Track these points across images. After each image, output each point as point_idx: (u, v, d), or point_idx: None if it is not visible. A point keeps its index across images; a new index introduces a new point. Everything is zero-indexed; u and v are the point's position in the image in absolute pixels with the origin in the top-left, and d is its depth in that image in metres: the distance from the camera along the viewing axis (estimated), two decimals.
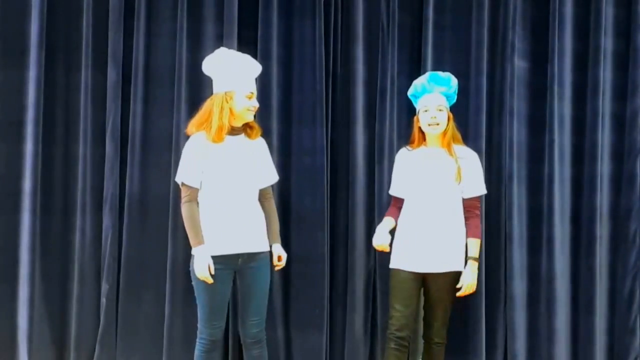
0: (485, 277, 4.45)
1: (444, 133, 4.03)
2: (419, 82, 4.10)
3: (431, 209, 3.97)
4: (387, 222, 4.11)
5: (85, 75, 4.62)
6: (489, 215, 4.48)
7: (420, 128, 4.08)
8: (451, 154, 4.02)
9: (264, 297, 3.89)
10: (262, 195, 3.94)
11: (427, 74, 4.12)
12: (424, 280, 4.00)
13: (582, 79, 4.56)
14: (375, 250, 4.37)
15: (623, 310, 4.53)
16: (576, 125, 4.57)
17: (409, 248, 3.98)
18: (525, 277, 4.55)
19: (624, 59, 4.56)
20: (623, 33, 4.56)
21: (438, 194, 3.98)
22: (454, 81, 4.09)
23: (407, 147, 4.16)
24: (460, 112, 4.47)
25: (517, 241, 4.50)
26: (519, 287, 4.50)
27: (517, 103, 4.53)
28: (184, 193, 3.81)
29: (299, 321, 4.55)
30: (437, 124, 4.00)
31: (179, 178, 3.85)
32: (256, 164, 3.90)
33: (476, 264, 4.02)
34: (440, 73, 4.10)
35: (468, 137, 4.45)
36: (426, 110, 4.02)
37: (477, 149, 4.40)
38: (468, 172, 4.04)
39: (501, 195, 4.52)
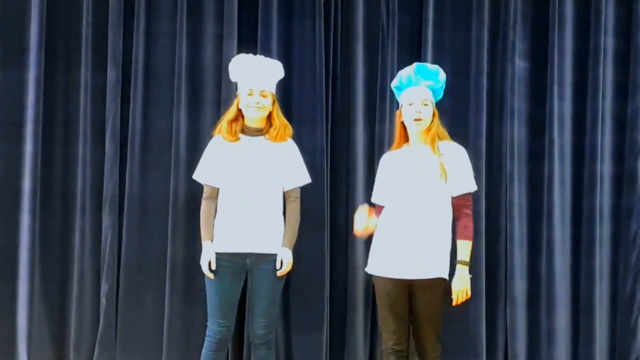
0: (485, 277, 4.45)
1: (428, 129, 3.71)
2: (404, 74, 3.79)
3: (416, 212, 3.64)
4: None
5: (85, 75, 4.62)
6: (489, 215, 4.48)
7: (402, 124, 3.77)
8: (435, 152, 3.69)
9: (272, 300, 3.87)
10: (285, 198, 3.94)
11: (414, 65, 3.80)
12: (410, 290, 3.67)
13: (582, 79, 4.56)
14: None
15: (624, 311, 4.54)
16: (576, 125, 4.58)
17: (394, 254, 3.67)
18: (525, 277, 4.55)
19: (624, 58, 4.57)
20: (623, 33, 4.56)
21: (423, 196, 3.66)
22: (442, 75, 3.80)
23: (391, 150, 3.88)
24: (461, 112, 4.48)
25: (518, 241, 4.50)
26: (519, 287, 4.51)
27: (518, 103, 4.54)
28: (204, 190, 3.93)
29: (299, 321, 4.54)
30: (421, 120, 3.69)
31: (196, 176, 3.97)
32: (275, 166, 3.88)
33: (466, 268, 3.67)
34: (428, 65, 3.84)
35: (468, 137, 4.45)
36: (410, 104, 3.70)
37: (477, 149, 4.41)
38: (454, 168, 3.69)
39: (501, 195, 4.52)
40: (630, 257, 4.53)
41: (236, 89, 3.97)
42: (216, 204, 3.89)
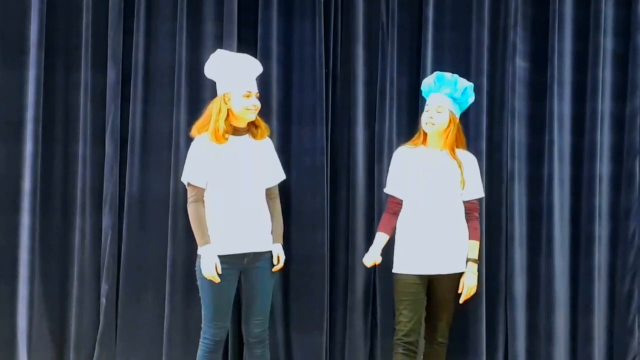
0: (485, 277, 4.46)
1: (446, 135, 4.00)
2: (427, 81, 4.10)
3: (435, 210, 3.94)
4: (380, 240, 4.06)
5: (85, 75, 4.61)
6: (489, 215, 4.49)
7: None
8: (454, 157, 4.00)
9: (268, 297, 3.89)
10: (267, 195, 3.92)
11: (435, 74, 4.09)
12: (430, 283, 3.97)
13: (582, 79, 4.57)
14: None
15: (622, 310, 4.55)
16: (576, 125, 4.59)
17: (414, 251, 3.95)
18: (525, 277, 4.56)
19: (623, 59, 4.57)
20: (623, 33, 4.57)
21: (441, 195, 3.96)
22: (461, 83, 4.03)
23: (407, 145, 4.12)
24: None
25: (518, 241, 4.51)
26: (519, 286, 4.52)
27: (518, 103, 4.54)
28: (190, 193, 3.82)
29: (299, 321, 4.55)
30: (433, 124, 3.96)
31: (184, 178, 3.86)
32: (261, 164, 3.89)
33: (476, 265, 4.01)
34: (447, 75, 4.05)
35: (469, 137, 4.45)
36: (427, 110, 4.01)
37: (477, 149, 4.42)
38: (468, 176, 4.02)
39: (502, 195, 4.53)
40: (628, 257, 4.54)
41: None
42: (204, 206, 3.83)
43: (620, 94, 4.58)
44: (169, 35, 4.63)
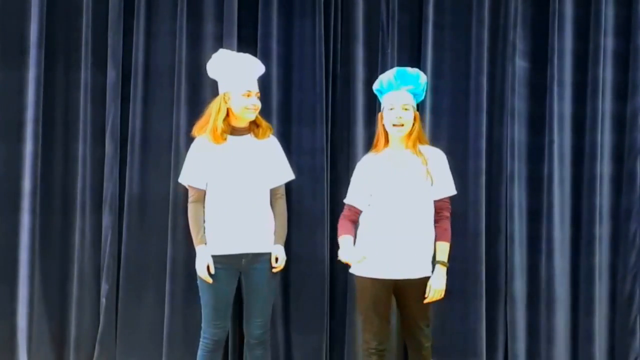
0: (485, 277, 4.45)
1: (409, 134, 3.75)
2: (385, 78, 3.82)
3: (401, 214, 3.68)
4: (349, 242, 3.81)
5: (85, 75, 4.62)
6: (489, 215, 4.48)
7: (384, 127, 3.78)
8: (417, 154, 3.74)
9: (268, 299, 3.88)
10: (272, 195, 3.91)
11: (395, 69, 3.83)
12: (396, 289, 3.75)
13: (582, 79, 4.56)
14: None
15: (623, 311, 4.54)
16: (576, 125, 4.58)
17: (379, 255, 3.69)
18: (525, 277, 4.55)
19: (624, 59, 4.56)
20: (623, 33, 4.56)
21: (407, 198, 3.70)
22: (423, 78, 3.81)
23: (371, 152, 3.91)
24: (461, 112, 4.49)
25: (518, 241, 4.51)
26: (519, 286, 4.51)
27: (518, 103, 4.54)
28: (190, 194, 3.86)
29: (299, 321, 4.55)
30: (402, 125, 3.71)
31: (183, 180, 3.88)
32: (264, 164, 3.87)
33: (444, 268, 3.72)
34: (409, 69, 3.82)
35: (468, 137, 4.47)
36: (391, 109, 3.72)
37: (477, 149, 4.42)
38: (436, 173, 3.75)
39: (501, 195, 4.53)
40: (629, 257, 4.54)
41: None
42: (204, 207, 3.84)
43: (621, 94, 4.58)
44: (169, 35, 4.64)
